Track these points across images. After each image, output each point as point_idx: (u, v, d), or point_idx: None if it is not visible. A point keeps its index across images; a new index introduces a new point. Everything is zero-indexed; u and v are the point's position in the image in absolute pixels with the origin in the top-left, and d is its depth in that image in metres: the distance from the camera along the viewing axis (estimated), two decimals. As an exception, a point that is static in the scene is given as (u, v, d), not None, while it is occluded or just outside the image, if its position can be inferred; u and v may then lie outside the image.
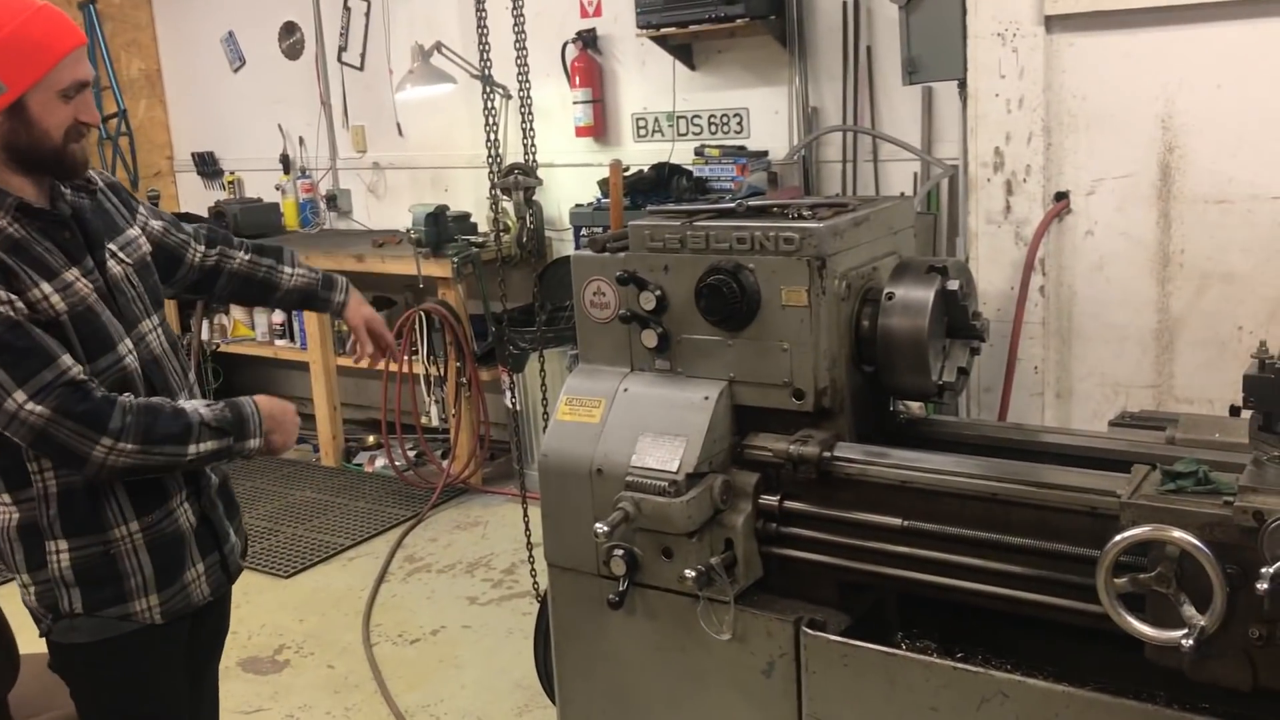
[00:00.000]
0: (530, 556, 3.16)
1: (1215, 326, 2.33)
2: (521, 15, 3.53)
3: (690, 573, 1.91)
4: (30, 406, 1.75)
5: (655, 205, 4.52)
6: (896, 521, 1.87)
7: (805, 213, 1.99)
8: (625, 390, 2.11)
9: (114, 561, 1.91)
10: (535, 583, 3.03)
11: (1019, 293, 2.33)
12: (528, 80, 3.61)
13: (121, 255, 1.98)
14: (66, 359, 1.80)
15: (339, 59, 6.21)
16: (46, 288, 1.83)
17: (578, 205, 5.06)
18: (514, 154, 5.56)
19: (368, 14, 6.01)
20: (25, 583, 1.93)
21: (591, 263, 2.14)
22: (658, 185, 4.64)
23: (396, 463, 5.36)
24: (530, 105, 3.35)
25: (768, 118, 4.67)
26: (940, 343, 1.95)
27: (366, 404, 6.21)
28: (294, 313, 5.79)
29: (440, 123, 5.79)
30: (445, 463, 5.29)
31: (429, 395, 5.40)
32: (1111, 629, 1.67)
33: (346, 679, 3.52)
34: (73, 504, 1.87)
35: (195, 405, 1.90)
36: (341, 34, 6.16)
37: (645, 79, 4.99)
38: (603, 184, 4.65)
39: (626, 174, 4.72)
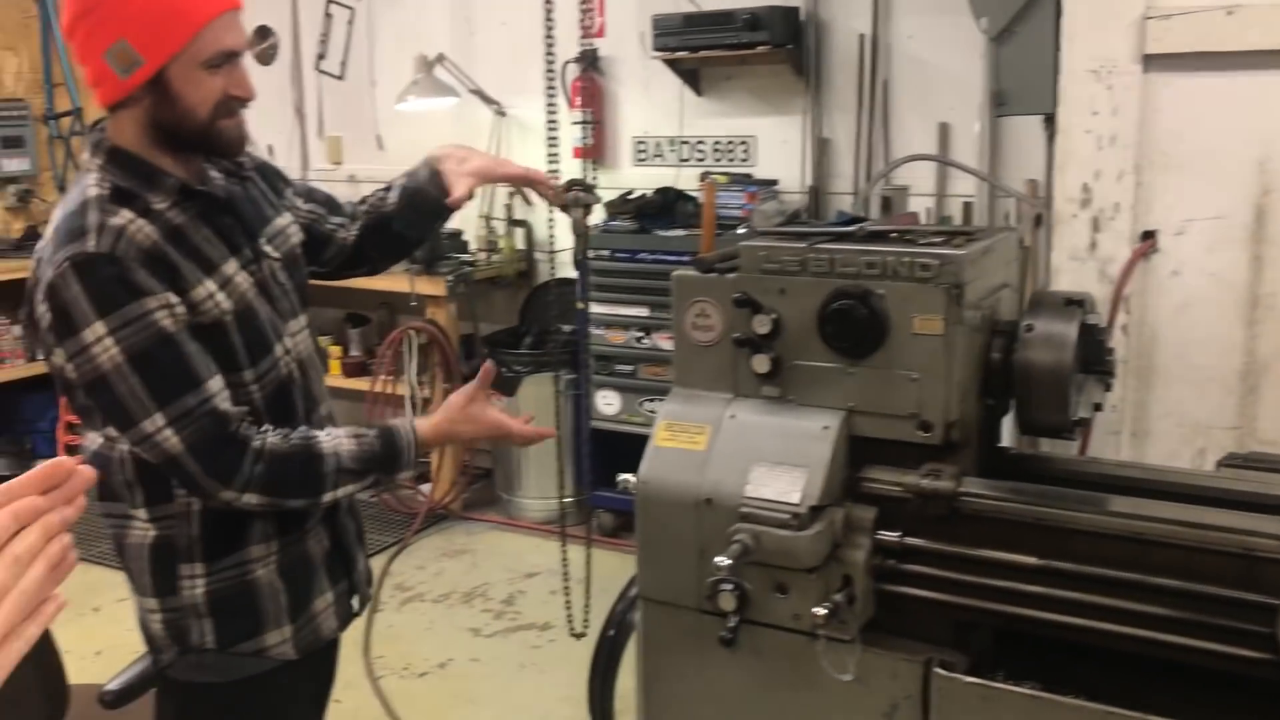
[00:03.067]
0: (566, 590, 3.02)
1: (1303, 371, 2.35)
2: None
3: (820, 610, 1.82)
4: (167, 434, 1.61)
5: (662, 230, 4.49)
6: (1031, 560, 1.81)
7: (934, 239, 1.93)
8: (732, 417, 2.02)
9: (252, 588, 1.75)
10: (571, 615, 2.90)
11: (1107, 330, 2.31)
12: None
13: (269, 249, 1.82)
14: (213, 384, 1.65)
15: (316, 67, 6.05)
16: (211, 284, 1.67)
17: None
18: (504, 172, 5.47)
19: (350, 22, 5.86)
20: (151, 608, 1.76)
21: (696, 283, 2.05)
22: (663, 210, 4.58)
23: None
24: (589, 125, 3.23)
25: (775, 147, 4.64)
26: (1077, 378, 1.90)
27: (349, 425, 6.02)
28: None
29: (424, 137, 5.62)
30: (425, 487, 5.12)
31: (414, 417, 5.23)
32: (1253, 675, 1.64)
33: (358, 714, 3.35)
34: (217, 523, 1.71)
35: (337, 444, 1.73)
36: (321, 41, 6.00)
37: (648, 102, 4.93)
38: (609, 206, 4.56)
39: (630, 197, 4.65)
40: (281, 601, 1.79)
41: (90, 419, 1.73)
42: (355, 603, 1.98)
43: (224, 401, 1.66)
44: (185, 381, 1.62)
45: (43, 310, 1.63)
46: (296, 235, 1.91)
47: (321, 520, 1.86)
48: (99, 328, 1.58)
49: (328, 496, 1.72)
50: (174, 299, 1.63)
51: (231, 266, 1.72)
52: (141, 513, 1.73)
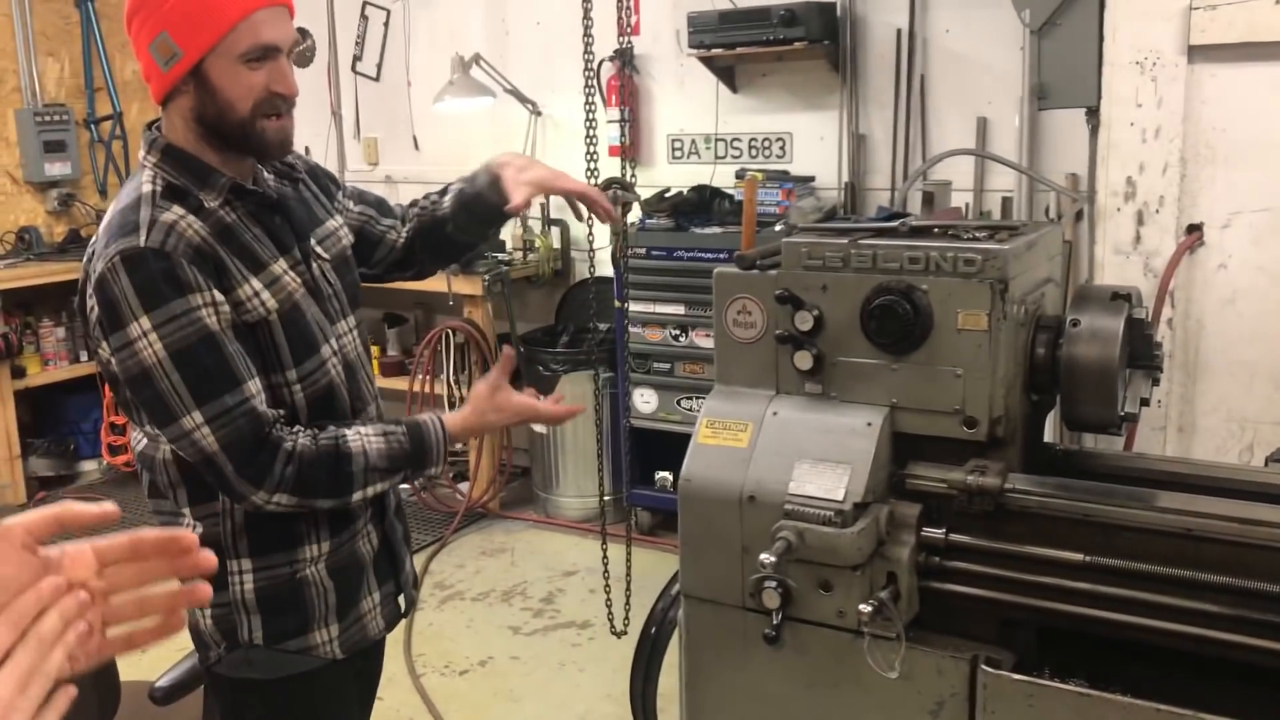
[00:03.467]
0: (607, 588, 3.02)
1: (1353, 364, 2.32)
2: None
3: (866, 607, 1.81)
4: (205, 431, 1.62)
5: (699, 227, 4.48)
6: (1078, 557, 1.80)
7: (978, 234, 1.92)
8: (774, 414, 2.01)
9: (300, 586, 1.77)
10: (610, 614, 2.90)
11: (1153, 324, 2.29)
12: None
13: (320, 250, 1.84)
14: (252, 385, 1.66)
15: (353, 68, 6.09)
16: (257, 283, 1.69)
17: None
18: (540, 172, 5.49)
19: (386, 23, 5.90)
20: None
21: (737, 280, 2.05)
22: (699, 208, 4.57)
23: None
24: (628, 123, 3.23)
25: (812, 143, 4.62)
26: (1124, 372, 1.88)
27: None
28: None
29: (460, 137, 5.69)
30: (463, 486, 5.15)
31: (451, 416, 5.25)
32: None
33: (399, 712, 3.37)
34: (261, 520, 1.73)
35: (365, 442, 1.73)
36: (357, 43, 6.05)
37: (684, 99, 4.93)
38: (645, 204, 4.56)
39: (667, 195, 4.65)
40: (330, 601, 1.80)
41: (136, 416, 1.75)
42: (402, 603, 1.99)
43: (261, 403, 1.67)
44: (225, 381, 1.63)
45: (92, 304, 1.65)
46: (347, 238, 1.93)
47: (372, 519, 1.87)
48: (144, 322, 1.60)
49: (357, 495, 1.73)
50: (219, 297, 1.64)
51: (280, 266, 1.74)
52: (186, 511, 1.75)
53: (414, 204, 2.11)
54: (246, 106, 1.68)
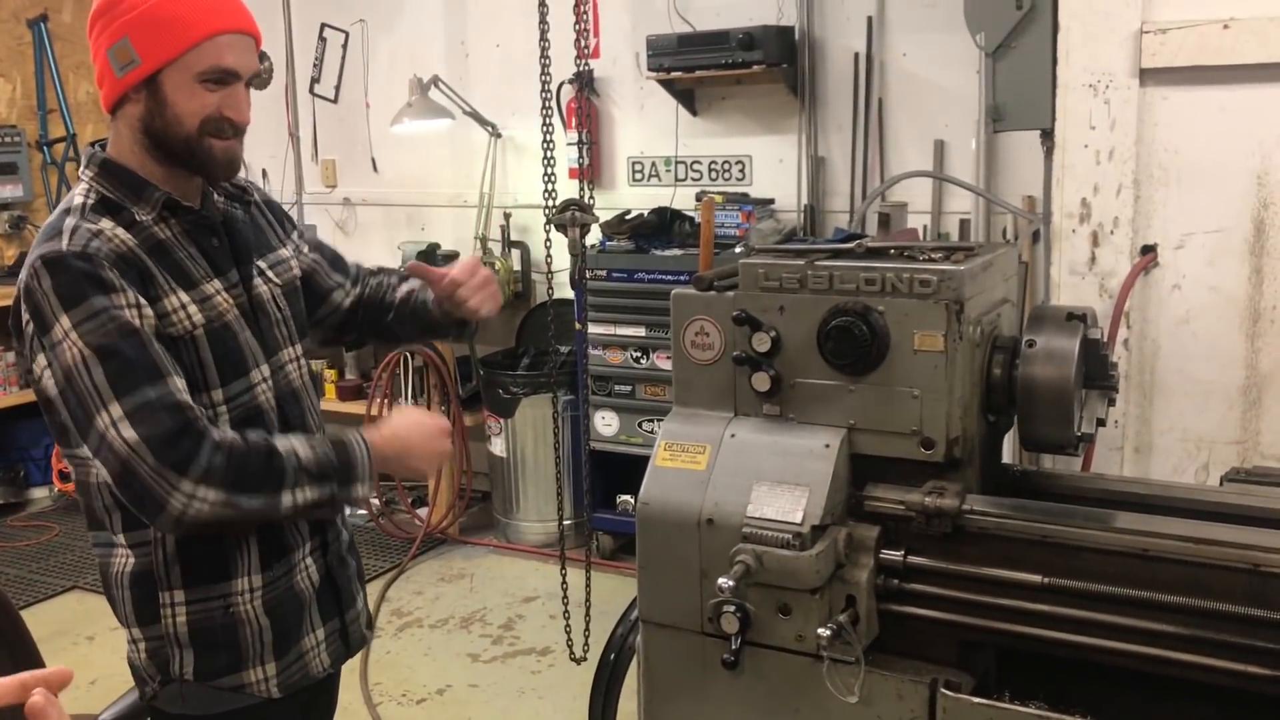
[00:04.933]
0: (566, 614, 2.99)
1: (1306, 383, 2.34)
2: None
3: (825, 631, 1.79)
4: (123, 426, 1.54)
5: (659, 249, 4.48)
6: (1036, 578, 1.79)
7: (933, 255, 1.92)
8: (733, 436, 2.00)
9: (234, 624, 1.71)
10: (570, 640, 2.86)
11: (1108, 344, 2.30)
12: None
13: (270, 274, 1.81)
14: (177, 382, 1.60)
15: (311, 90, 6.05)
16: (184, 296, 1.65)
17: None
18: (500, 194, 5.47)
19: (345, 45, 5.87)
20: (135, 638, 1.73)
21: (695, 301, 2.04)
22: (660, 230, 4.57)
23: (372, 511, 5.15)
24: (587, 145, 3.23)
25: (772, 166, 4.64)
26: (1080, 393, 1.89)
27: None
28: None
29: (419, 159, 5.66)
30: (422, 511, 5.09)
31: (410, 440, 5.19)
32: (1261, 692, 1.62)
33: (355, 742, 3.31)
34: (193, 546, 1.68)
35: (293, 445, 1.67)
36: (315, 64, 6.01)
37: (644, 123, 4.94)
38: (605, 226, 4.55)
39: (627, 217, 4.65)
40: (266, 639, 1.74)
41: (66, 439, 1.69)
42: (351, 642, 1.92)
43: (186, 397, 1.60)
44: (147, 373, 1.57)
45: (26, 318, 1.62)
46: (297, 269, 1.90)
47: (312, 553, 1.82)
48: (65, 321, 1.56)
49: (287, 501, 1.63)
50: (143, 301, 1.60)
51: (212, 287, 1.70)
52: (121, 539, 1.70)
53: (374, 273, 2.09)
54: (194, 124, 1.66)
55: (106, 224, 1.64)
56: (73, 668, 0.92)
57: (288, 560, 1.78)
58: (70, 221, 1.63)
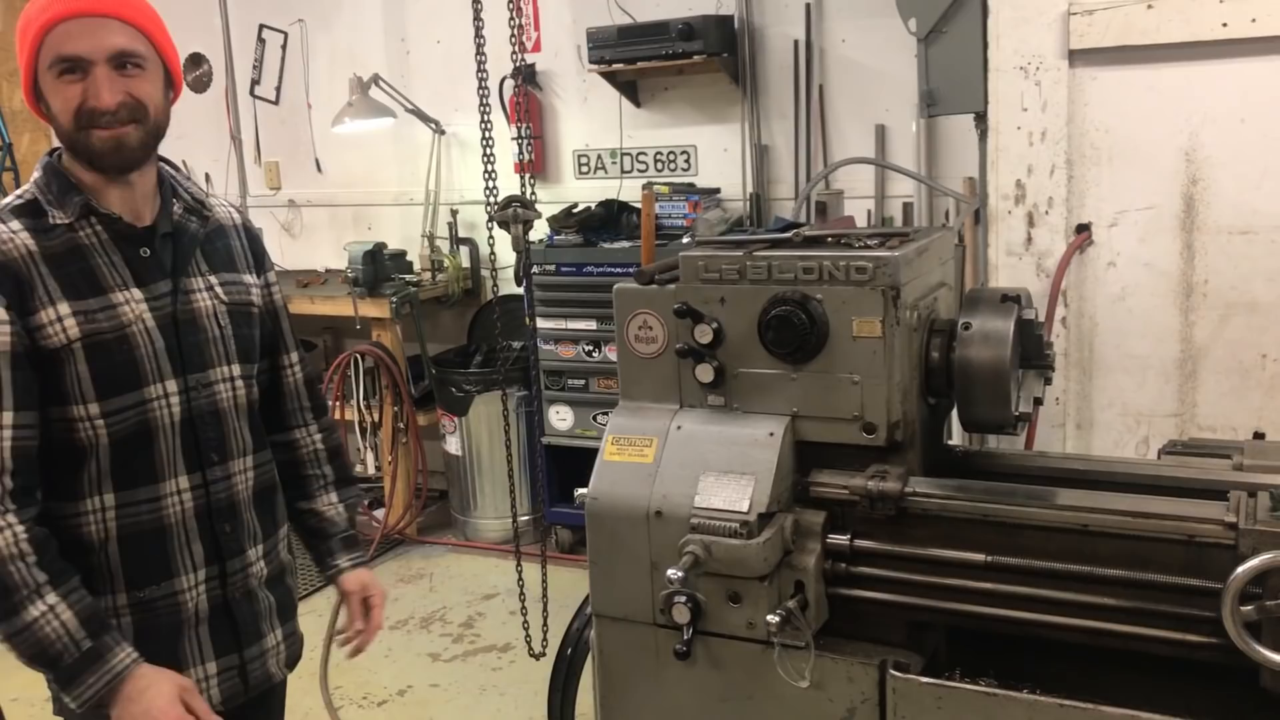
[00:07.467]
0: (524, 610, 2.99)
1: (1239, 355, 2.38)
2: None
3: (773, 618, 1.81)
4: None
5: (607, 242, 4.48)
6: (979, 557, 1.82)
7: (869, 242, 1.93)
8: (679, 428, 2.01)
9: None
10: (529, 636, 2.86)
11: (1044, 324, 2.34)
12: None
13: (219, 290, 1.78)
14: (6, 417, 1.58)
15: (251, 92, 5.98)
16: (65, 308, 1.62)
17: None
18: (446, 191, 5.44)
19: (284, 46, 5.80)
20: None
21: (637, 295, 2.04)
22: (607, 223, 4.57)
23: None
24: (529, 140, 3.22)
25: (716, 155, 4.65)
26: (1016, 373, 1.91)
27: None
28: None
29: (363, 159, 5.61)
30: (379, 513, 5.06)
31: (364, 442, 5.16)
32: (1200, 659, 1.66)
33: (316, 747, 3.29)
34: (71, 558, 1.65)
35: (57, 600, 1.58)
36: (255, 66, 5.94)
37: (588, 115, 4.93)
38: (553, 220, 4.55)
39: (574, 211, 4.64)
40: None
41: None
42: (251, 679, 1.85)
43: (6, 440, 1.58)
44: None
45: None
46: (257, 300, 1.87)
47: (207, 581, 1.76)
48: None
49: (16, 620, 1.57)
50: (12, 318, 1.59)
51: (122, 296, 1.67)
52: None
53: (326, 430, 2.04)
54: (69, 120, 1.66)
55: (16, 225, 1.65)
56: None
57: (170, 582, 1.72)
58: None
